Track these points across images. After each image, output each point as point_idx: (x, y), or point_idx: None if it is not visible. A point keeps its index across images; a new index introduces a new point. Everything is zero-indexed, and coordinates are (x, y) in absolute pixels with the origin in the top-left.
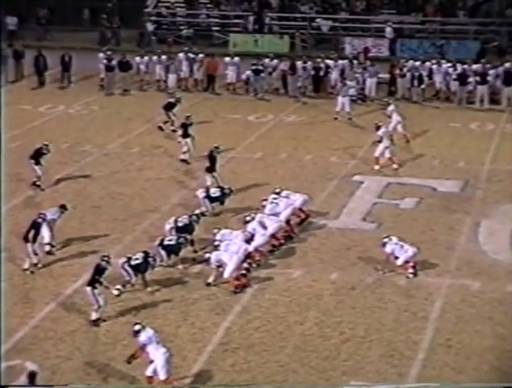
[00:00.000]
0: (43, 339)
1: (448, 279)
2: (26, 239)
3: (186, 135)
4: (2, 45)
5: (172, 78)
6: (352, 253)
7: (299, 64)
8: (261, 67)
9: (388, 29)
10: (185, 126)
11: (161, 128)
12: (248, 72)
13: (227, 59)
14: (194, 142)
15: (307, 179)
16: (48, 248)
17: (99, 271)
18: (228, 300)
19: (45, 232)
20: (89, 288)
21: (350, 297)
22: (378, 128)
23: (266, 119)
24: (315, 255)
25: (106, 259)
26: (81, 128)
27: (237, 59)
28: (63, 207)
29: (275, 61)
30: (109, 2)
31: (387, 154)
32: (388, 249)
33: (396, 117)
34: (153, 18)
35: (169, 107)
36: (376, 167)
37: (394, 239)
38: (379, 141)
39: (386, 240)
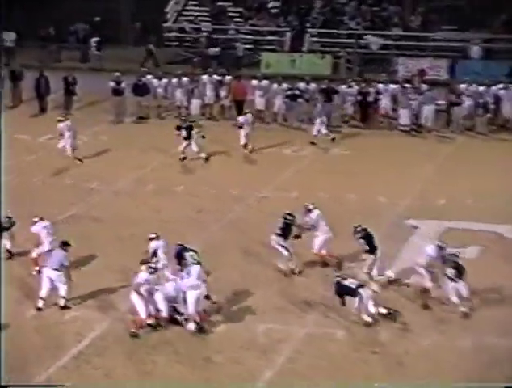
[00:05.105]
0: None
1: None
2: None
3: None
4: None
5: (195, 103)
6: None
7: (343, 88)
8: (297, 92)
9: (476, 48)
10: None
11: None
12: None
13: (254, 82)
14: None
15: (351, 221)
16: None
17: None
18: None
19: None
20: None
21: None
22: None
23: (304, 152)
24: None
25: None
26: (87, 162)
27: (265, 82)
28: (65, 244)
29: (313, 86)
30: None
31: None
32: None
33: None
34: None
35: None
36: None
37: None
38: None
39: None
